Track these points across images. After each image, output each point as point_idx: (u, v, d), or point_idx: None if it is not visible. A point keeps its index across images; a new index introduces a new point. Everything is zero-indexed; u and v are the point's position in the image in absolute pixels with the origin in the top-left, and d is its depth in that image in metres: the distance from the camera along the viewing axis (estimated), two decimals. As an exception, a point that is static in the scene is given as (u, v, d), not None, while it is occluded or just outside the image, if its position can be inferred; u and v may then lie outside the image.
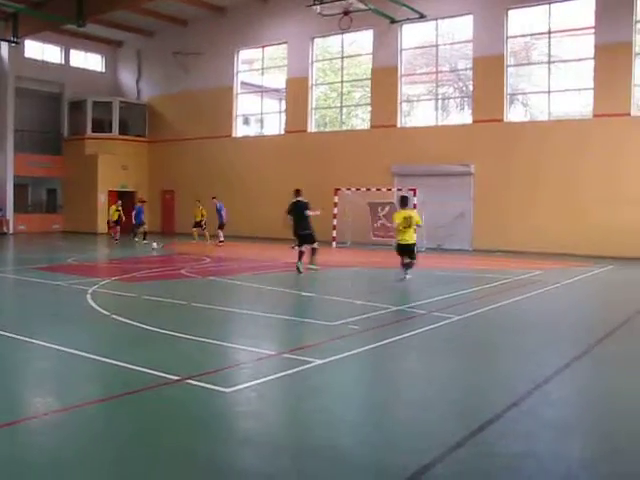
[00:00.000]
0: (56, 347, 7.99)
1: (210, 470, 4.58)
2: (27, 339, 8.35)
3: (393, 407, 6.19)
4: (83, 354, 7.59)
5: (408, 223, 14.68)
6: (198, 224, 27.48)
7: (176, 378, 6.58)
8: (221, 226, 26.58)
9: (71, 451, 4.90)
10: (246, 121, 35.60)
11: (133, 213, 27.03)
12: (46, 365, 7.45)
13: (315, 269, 16.45)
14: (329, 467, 4.65)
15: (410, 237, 14.83)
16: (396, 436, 5.35)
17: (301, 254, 16.37)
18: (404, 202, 15.32)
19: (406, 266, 14.87)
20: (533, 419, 5.73)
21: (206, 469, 4.59)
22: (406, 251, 14.85)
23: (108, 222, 29.64)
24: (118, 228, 27.97)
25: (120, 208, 28.16)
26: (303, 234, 16.50)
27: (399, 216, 14.95)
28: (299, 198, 16.74)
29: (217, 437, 5.23)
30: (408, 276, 14.74)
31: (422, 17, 27.00)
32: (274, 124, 33.95)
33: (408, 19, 27.43)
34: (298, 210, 16.46)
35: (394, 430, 5.49)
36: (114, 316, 10.07)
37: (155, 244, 24.96)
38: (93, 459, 4.76)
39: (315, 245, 16.72)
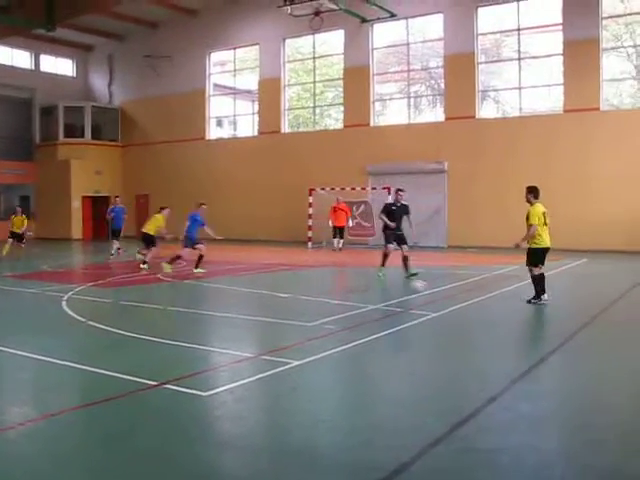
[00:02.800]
0: (31, 355, 7.91)
1: (189, 474, 4.57)
2: (1, 348, 8.27)
3: (370, 406, 6.22)
4: (59, 362, 7.54)
5: (545, 220, 11.67)
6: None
7: (154, 383, 6.56)
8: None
9: (48, 460, 4.86)
10: (219, 123, 35.54)
11: (111, 216, 22.81)
12: (22, 374, 7.38)
13: (414, 274, 14.79)
14: (308, 468, 4.67)
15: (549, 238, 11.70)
16: (374, 435, 5.37)
17: (385, 256, 15.42)
18: (537, 192, 11.86)
19: (538, 283, 11.63)
20: (510, 413, 5.80)
21: (185, 473, 4.58)
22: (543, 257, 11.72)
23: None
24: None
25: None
26: (400, 234, 15.45)
27: (537, 211, 11.52)
28: (402, 201, 15.68)
29: (196, 441, 5.23)
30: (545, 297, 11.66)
31: (393, 16, 27.17)
32: (248, 126, 33.93)
33: (379, 18, 27.59)
34: (401, 212, 15.47)
35: (372, 429, 5.52)
36: (90, 322, 10.00)
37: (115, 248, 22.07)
38: (71, 467, 4.73)
39: (406, 248, 15.43)
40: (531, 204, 11.60)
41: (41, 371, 7.41)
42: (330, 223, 25.43)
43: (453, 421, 5.49)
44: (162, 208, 19.16)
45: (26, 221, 23.12)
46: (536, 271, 11.51)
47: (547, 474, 4.55)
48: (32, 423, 5.62)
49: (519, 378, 6.86)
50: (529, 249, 11.61)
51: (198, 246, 17.06)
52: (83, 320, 10.22)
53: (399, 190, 16.00)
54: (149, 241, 18.44)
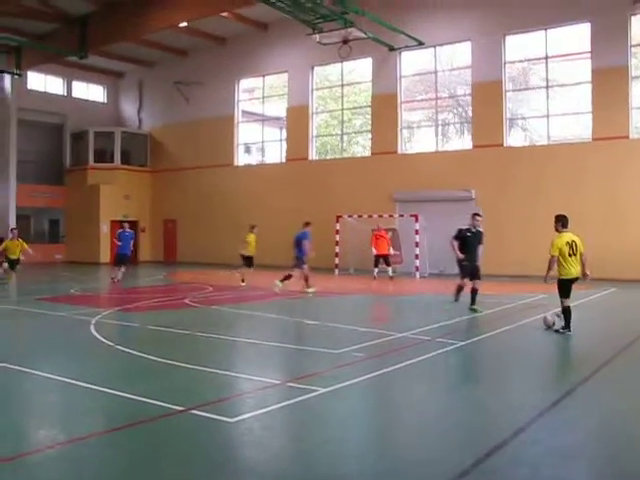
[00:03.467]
0: (60, 379, 7.98)
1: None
2: (31, 371, 8.34)
3: (397, 435, 6.18)
4: (87, 385, 7.58)
5: (574, 250, 11.35)
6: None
7: (180, 408, 6.58)
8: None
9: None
10: (247, 150, 35.80)
11: (117, 242, 21.79)
12: (50, 397, 7.44)
13: (478, 311, 13.80)
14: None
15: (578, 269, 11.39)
16: (401, 465, 5.32)
17: (460, 289, 14.30)
18: (565, 221, 11.65)
19: (566, 316, 11.41)
20: (538, 446, 5.71)
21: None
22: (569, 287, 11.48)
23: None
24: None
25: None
26: (476, 265, 14.00)
27: (560, 241, 11.30)
28: (478, 227, 14.10)
29: (221, 467, 5.22)
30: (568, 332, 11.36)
31: (420, 44, 27.29)
32: (275, 152, 34.17)
33: (407, 46, 27.72)
34: (476, 240, 13.94)
35: (398, 459, 5.47)
36: (118, 347, 10.07)
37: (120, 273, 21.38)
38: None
39: (479, 283, 14.12)
40: (559, 232, 11.44)
41: (69, 395, 7.46)
42: (373, 251, 23.92)
43: (479, 453, 5.43)
44: (253, 227, 21.09)
45: (24, 245, 20.25)
46: (566, 302, 11.35)
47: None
48: (59, 447, 5.65)
49: (546, 410, 6.77)
50: (557, 280, 11.40)
51: (304, 267, 18.28)
52: (111, 344, 10.29)
53: (476, 215, 14.18)
54: (250, 262, 20.72)
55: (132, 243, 21.86)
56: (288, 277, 18.40)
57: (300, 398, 7.05)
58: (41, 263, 32.38)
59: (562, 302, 11.41)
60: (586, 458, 5.60)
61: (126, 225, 22.15)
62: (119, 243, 21.72)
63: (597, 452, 5.78)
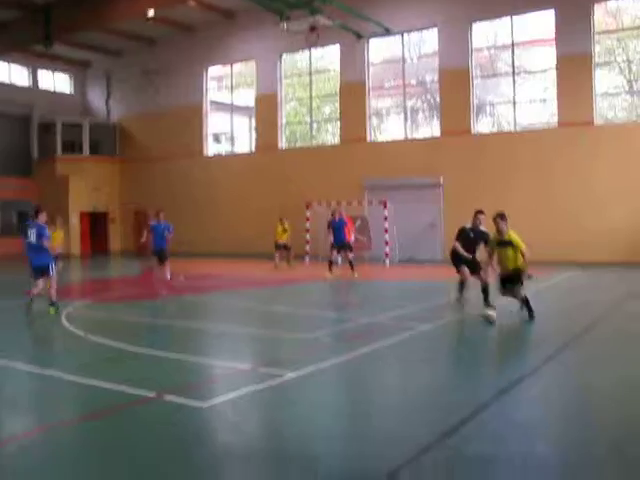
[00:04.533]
0: (30, 369, 8.03)
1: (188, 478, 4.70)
2: (1, 362, 8.37)
3: (364, 416, 6.33)
4: (59, 375, 7.64)
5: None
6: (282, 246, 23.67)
7: (152, 395, 6.68)
8: None
9: (46, 473, 4.97)
10: (217, 139, 35.72)
11: (148, 235, 18.71)
12: (21, 387, 7.49)
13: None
14: (303, 474, 4.80)
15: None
16: (367, 444, 5.49)
17: (463, 284, 12.73)
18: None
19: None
20: (500, 421, 5.92)
21: (184, 478, 4.71)
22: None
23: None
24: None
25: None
26: (474, 261, 12.52)
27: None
28: (482, 227, 12.54)
29: (195, 450, 5.34)
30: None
31: (388, 31, 27.42)
32: (245, 141, 34.12)
33: (374, 33, 27.83)
34: (478, 241, 12.39)
35: (365, 438, 5.64)
36: (89, 336, 10.11)
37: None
38: (73, 476, 4.84)
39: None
40: (506, 229, 11.28)
41: (40, 385, 7.53)
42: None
43: (443, 430, 5.61)
44: (282, 218, 23.49)
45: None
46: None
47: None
48: (32, 435, 5.73)
49: (510, 387, 6.98)
50: (520, 269, 11.19)
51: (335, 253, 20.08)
52: (82, 334, 10.32)
53: (478, 212, 12.71)
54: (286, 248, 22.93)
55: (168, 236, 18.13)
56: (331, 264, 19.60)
57: (272, 383, 7.18)
58: (10, 256, 32.08)
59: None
60: (548, 432, 5.81)
61: (161, 215, 18.81)
62: (146, 238, 18.61)
63: (559, 426, 6.00)
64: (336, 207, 22.80)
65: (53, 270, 12.93)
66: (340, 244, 20.13)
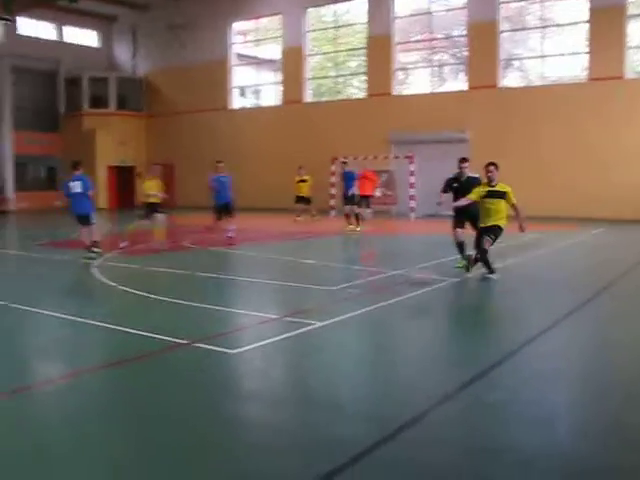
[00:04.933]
0: (65, 317, 8.29)
1: (217, 422, 4.92)
2: (37, 310, 8.65)
3: (389, 364, 6.50)
4: (92, 322, 7.89)
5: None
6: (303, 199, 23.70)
7: (183, 342, 6.91)
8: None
9: (88, 411, 5.21)
10: (242, 93, 35.66)
11: (214, 186, 16.80)
12: (57, 334, 7.75)
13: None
14: (329, 418, 4.99)
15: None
16: (390, 389, 5.68)
17: (461, 246, 11.68)
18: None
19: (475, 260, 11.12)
20: (521, 371, 6.08)
21: (214, 421, 4.93)
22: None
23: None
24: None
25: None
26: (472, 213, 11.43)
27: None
28: (469, 173, 12.03)
29: (224, 394, 5.56)
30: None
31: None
32: (270, 95, 34.05)
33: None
34: (467, 188, 11.39)
35: (390, 385, 5.83)
36: (120, 287, 10.37)
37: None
38: (109, 418, 5.08)
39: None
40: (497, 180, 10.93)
41: (75, 331, 7.77)
42: (356, 191, 21.28)
43: (463, 379, 5.77)
44: (300, 168, 23.62)
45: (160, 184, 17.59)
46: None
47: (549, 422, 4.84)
48: (65, 379, 5.99)
49: (531, 340, 7.11)
50: (500, 227, 10.85)
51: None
52: (114, 284, 10.58)
53: (463, 160, 12.28)
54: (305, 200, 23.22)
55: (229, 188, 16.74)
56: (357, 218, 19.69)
57: (298, 331, 7.38)
58: (40, 210, 32.63)
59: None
60: (566, 381, 5.95)
61: (221, 166, 17.20)
62: (213, 187, 16.78)
63: (576, 376, 6.14)
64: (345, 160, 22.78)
65: (94, 219, 13.82)
66: (344, 196, 20.51)
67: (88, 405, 5.32)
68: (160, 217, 17.26)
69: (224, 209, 16.53)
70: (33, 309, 8.70)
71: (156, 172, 18.23)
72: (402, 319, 8.44)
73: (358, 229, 19.39)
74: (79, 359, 6.71)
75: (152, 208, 16.98)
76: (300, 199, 23.60)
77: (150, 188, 17.10)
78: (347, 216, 19.94)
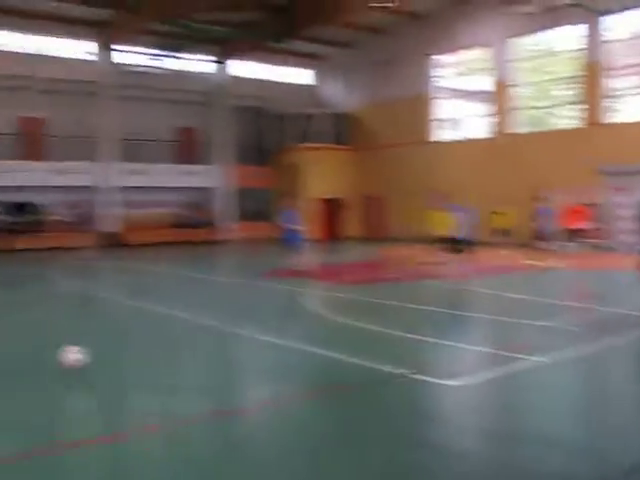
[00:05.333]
0: (291, 345, 8.96)
1: (438, 453, 5.20)
2: (268, 339, 9.36)
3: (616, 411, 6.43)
4: (316, 351, 8.52)
5: None
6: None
7: (403, 372, 7.27)
8: None
9: (309, 433, 5.71)
10: (447, 125, 35.79)
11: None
12: (269, 358, 8.49)
13: None
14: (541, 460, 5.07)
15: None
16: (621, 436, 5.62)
17: None
18: None
19: None
20: None
21: (435, 452, 5.22)
22: None
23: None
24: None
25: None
26: None
27: None
28: None
29: (448, 426, 5.82)
30: None
31: (626, 8, 25.90)
32: (474, 127, 33.93)
33: (609, 10, 26.41)
34: None
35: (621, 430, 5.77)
36: (337, 318, 10.90)
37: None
38: (329, 442, 5.50)
39: None
40: None
41: (287, 356, 8.48)
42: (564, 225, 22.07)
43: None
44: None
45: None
46: None
47: None
48: (297, 398, 6.62)
49: None
50: None
51: None
52: (331, 315, 11.13)
53: None
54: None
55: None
56: None
57: (519, 367, 7.48)
58: (255, 240, 34.55)
59: None
60: None
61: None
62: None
63: None
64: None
65: (299, 248, 16.51)
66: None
67: (303, 429, 5.81)
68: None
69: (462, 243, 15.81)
70: (261, 337, 9.45)
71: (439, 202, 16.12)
72: (626, 362, 8.20)
73: (542, 264, 19.05)
74: (302, 383, 7.28)
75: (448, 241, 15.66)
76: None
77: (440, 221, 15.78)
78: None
